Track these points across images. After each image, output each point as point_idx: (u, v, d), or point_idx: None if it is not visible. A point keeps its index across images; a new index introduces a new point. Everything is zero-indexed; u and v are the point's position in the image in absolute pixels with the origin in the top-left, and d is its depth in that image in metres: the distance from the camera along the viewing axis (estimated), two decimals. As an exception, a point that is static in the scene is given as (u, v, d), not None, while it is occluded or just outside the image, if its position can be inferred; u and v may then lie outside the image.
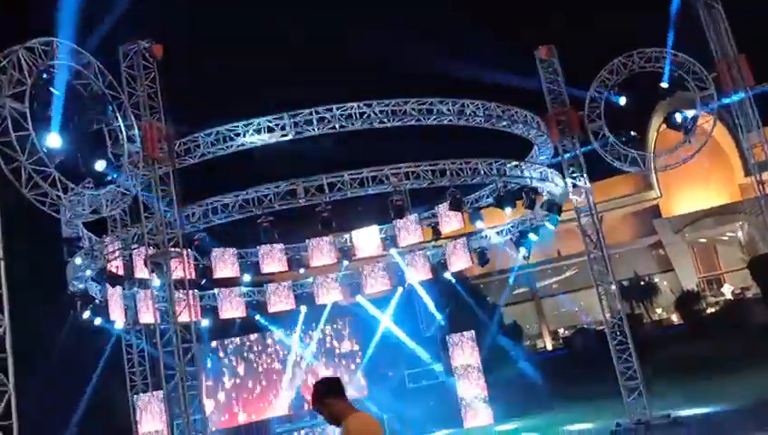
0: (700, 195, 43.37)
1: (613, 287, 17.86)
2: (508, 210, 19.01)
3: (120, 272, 18.68)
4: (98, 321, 18.77)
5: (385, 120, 15.53)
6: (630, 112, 19.85)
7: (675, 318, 39.82)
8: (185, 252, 15.25)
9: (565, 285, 43.92)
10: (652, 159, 21.62)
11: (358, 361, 24.87)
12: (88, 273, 17.97)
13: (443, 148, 17.82)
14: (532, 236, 20.90)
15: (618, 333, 17.67)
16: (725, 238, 43.71)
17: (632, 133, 18.51)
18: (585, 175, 18.06)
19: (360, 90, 15.63)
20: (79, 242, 18.42)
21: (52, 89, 12.78)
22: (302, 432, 21.72)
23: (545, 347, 44.70)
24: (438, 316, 25.39)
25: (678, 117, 17.62)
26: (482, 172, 16.66)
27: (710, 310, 37.92)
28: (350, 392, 23.94)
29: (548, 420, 21.59)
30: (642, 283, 41.57)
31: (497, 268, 39.38)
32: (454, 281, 24.45)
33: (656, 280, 43.42)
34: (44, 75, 12.70)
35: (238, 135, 15.46)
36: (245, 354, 23.75)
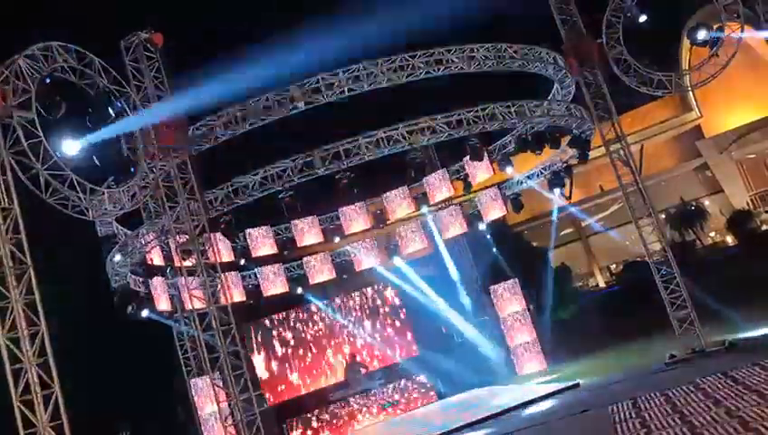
0: (744, 110, 41.33)
1: (654, 218, 17.30)
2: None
3: (160, 262, 19.04)
4: (145, 313, 19.20)
5: (393, 77, 15.13)
6: (656, 33, 18.84)
7: (729, 240, 38.52)
8: (213, 236, 15.38)
9: (612, 219, 42.87)
10: (684, 79, 20.58)
11: (404, 320, 24.92)
12: (127, 268, 18.34)
13: (463, 102, 17.18)
14: (564, 176, 20.31)
15: (663, 264, 17.21)
16: (776, 150, 41.67)
17: (657, 55, 17.62)
18: (611, 105, 17.33)
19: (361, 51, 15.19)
20: (115, 239, 18.79)
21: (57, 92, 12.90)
22: (356, 398, 22.01)
23: (598, 285, 44.04)
24: (480, 268, 25.12)
25: (701, 32, 16.59)
26: (500, 117, 16.12)
27: (765, 227, 36.51)
28: (402, 353, 24.24)
29: (602, 359, 21.23)
30: (691, 207, 40.17)
31: (539, 212, 38.74)
32: (492, 231, 24.17)
33: (705, 203, 41.96)
34: (48, 80, 12.79)
35: (249, 113, 15.33)
36: (295, 327, 24.11)
